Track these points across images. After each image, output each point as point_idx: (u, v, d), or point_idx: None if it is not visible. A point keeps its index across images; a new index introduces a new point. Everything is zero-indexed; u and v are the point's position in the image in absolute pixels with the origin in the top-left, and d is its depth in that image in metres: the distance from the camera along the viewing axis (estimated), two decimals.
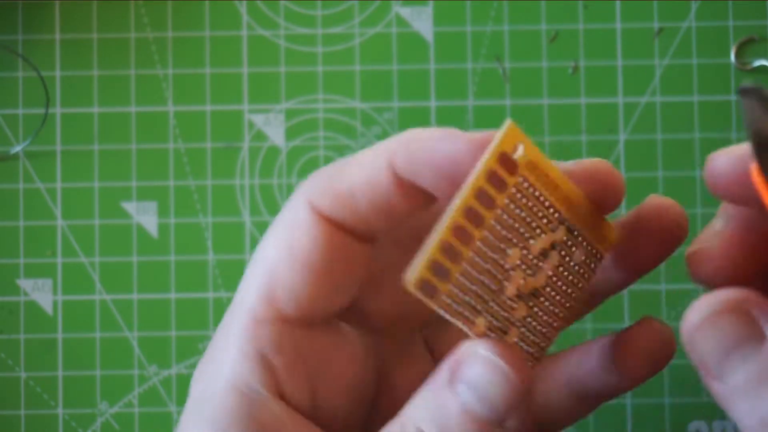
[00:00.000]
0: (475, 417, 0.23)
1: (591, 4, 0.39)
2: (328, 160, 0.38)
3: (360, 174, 0.25)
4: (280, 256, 0.25)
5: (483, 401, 0.23)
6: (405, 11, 0.39)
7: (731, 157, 0.24)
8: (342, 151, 0.38)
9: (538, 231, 0.24)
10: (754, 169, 0.22)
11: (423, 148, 0.24)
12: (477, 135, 0.25)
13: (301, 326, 0.25)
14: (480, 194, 0.23)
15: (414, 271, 0.22)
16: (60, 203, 0.38)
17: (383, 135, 0.38)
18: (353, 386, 0.26)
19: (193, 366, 0.37)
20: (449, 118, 0.38)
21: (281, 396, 0.25)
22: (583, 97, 0.38)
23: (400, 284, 0.22)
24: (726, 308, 0.22)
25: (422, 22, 0.39)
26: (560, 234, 0.25)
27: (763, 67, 0.38)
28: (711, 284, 0.25)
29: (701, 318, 0.22)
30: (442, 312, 0.23)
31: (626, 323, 0.37)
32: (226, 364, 0.25)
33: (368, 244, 0.26)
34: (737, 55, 0.38)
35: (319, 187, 0.25)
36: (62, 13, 0.39)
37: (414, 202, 0.25)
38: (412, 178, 0.24)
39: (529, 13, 0.38)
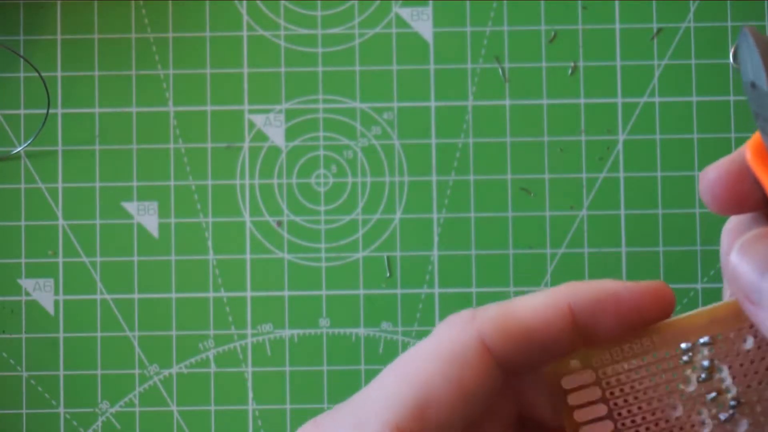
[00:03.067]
0: None
1: (590, 4, 0.39)
2: (328, 160, 0.38)
3: (535, 312, 0.26)
4: (443, 384, 0.25)
5: None
6: (405, 12, 0.39)
7: (721, 165, 0.26)
8: (342, 151, 0.38)
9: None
10: (749, 148, 0.23)
11: (608, 293, 0.26)
12: (642, 284, 0.27)
13: None
14: (579, 414, 0.27)
15: None
16: (61, 203, 0.38)
17: (383, 135, 0.38)
18: None
19: (194, 365, 0.37)
20: (449, 118, 0.38)
21: None
22: (582, 97, 0.38)
23: None
24: (762, 233, 0.24)
25: (422, 22, 0.39)
26: None
27: None
28: (723, 207, 0.26)
29: (740, 244, 0.24)
30: None
31: None
32: None
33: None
34: (735, 56, 0.38)
35: (493, 323, 0.26)
36: (63, 14, 0.39)
37: (577, 346, 0.27)
38: (590, 319, 0.26)
39: (528, 14, 0.39)
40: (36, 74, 0.38)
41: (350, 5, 0.39)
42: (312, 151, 0.38)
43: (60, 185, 0.38)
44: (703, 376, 0.26)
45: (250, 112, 0.38)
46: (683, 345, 0.26)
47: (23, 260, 0.38)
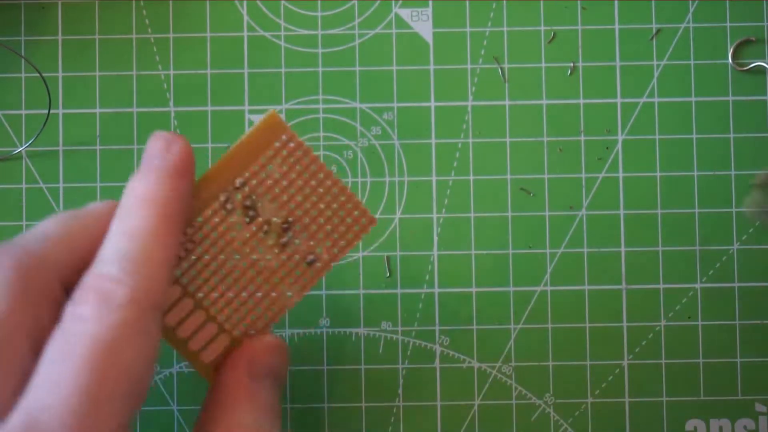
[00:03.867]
0: (279, 390, 0.30)
1: (589, 4, 0.39)
2: (328, 160, 0.38)
3: (163, 251, 0.27)
4: (144, 366, 0.26)
5: (279, 377, 0.30)
6: (404, 12, 0.39)
7: None
8: (342, 151, 0.38)
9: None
10: None
11: None
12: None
13: None
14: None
15: (201, 369, 0.30)
16: (62, 203, 0.38)
17: (383, 135, 0.38)
18: None
19: None
20: (448, 118, 0.38)
21: None
22: (582, 97, 0.38)
23: None
24: None
25: (422, 23, 0.39)
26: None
27: (759, 68, 0.38)
28: None
29: None
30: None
31: (624, 323, 0.38)
32: None
33: None
34: (734, 56, 0.38)
35: (152, 286, 0.26)
36: (64, 14, 0.39)
37: None
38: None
39: (527, 14, 0.39)
40: (37, 74, 0.38)
41: (350, 6, 0.39)
42: (313, 151, 0.38)
43: (61, 185, 0.38)
44: (249, 215, 0.28)
45: (251, 112, 0.38)
46: (221, 197, 0.29)
47: None
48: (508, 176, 0.38)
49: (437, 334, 0.38)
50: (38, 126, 0.38)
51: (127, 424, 0.25)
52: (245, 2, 0.39)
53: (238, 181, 0.28)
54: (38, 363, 0.25)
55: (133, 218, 0.27)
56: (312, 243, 0.29)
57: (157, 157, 0.28)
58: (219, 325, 0.29)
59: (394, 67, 0.39)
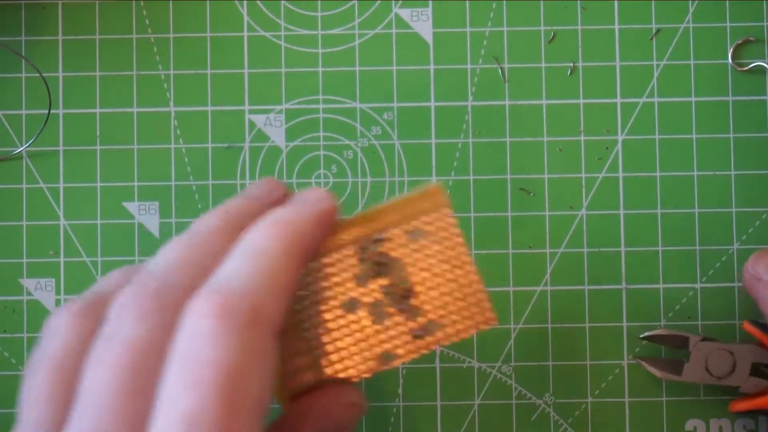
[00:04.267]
0: None
1: (589, 5, 0.39)
2: (328, 160, 0.38)
3: (287, 285, 0.26)
4: (266, 390, 0.25)
5: None
6: (404, 12, 0.39)
7: None
8: (342, 151, 0.38)
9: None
10: None
11: (321, 222, 0.28)
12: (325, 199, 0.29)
13: None
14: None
15: (280, 393, 0.30)
16: (62, 203, 0.38)
17: (383, 135, 0.38)
18: None
19: None
20: (448, 118, 0.38)
21: None
22: (582, 97, 0.38)
23: None
24: None
25: (422, 23, 0.39)
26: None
27: (759, 67, 0.38)
28: None
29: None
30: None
31: (624, 323, 0.38)
32: None
33: None
34: (734, 56, 0.38)
35: (272, 309, 0.25)
36: (64, 15, 0.39)
37: None
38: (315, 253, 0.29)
39: (527, 14, 0.39)
40: (37, 75, 0.38)
41: (350, 6, 0.39)
42: (312, 151, 0.38)
43: (61, 185, 0.38)
44: (378, 270, 0.29)
45: (251, 112, 0.38)
46: (362, 243, 0.29)
47: (24, 260, 0.38)
48: (508, 176, 0.38)
49: None
50: (38, 126, 0.38)
51: None
52: (245, 2, 0.39)
53: (381, 235, 0.29)
54: (163, 386, 0.23)
55: (264, 238, 0.26)
56: (427, 320, 0.29)
57: (309, 200, 0.28)
58: (314, 359, 0.29)
59: (394, 67, 0.39)
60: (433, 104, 0.38)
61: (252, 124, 0.38)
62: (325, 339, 0.28)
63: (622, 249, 0.38)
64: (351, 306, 0.28)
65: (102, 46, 0.39)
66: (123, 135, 0.38)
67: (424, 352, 0.29)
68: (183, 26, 0.39)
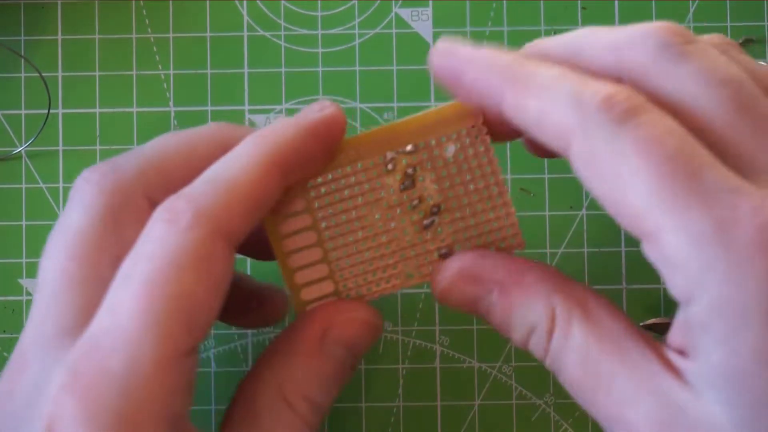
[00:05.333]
0: (345, 365, 0.28)
1: (589, 4, 0.39)
2: None
3: (253, 190, 0.26)
4: (201, 291, 0.25)
5: (353, 352, 0.28)
6: (405, 12, 0.39)
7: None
8: None
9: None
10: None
11: (307, 134, 0.27)
12: (325, 111, 0.28)
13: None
14: (284, 226, 0.28)
15: (296, 303, 0.28)
16: (62, 203, 0.38)
17: None
18: None
19: None
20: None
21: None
22: None
23: None
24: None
25: (422, 22, 0.39)
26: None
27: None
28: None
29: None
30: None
31: None
32: (159, 398, 0.24)
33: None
34: None
35: (221, 211, 0.25)
36: (64, 14, 0.39)
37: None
38: (301, 169, 0.27)
39: (528, 14, 0.39)
40: (37, 74, 0.38)
41: (350, 5, 0.39)
42: None
43: (61, 185, 0.38)
44: (406, 183, 0.27)
45: (251, 112, 0.38)
46: (388, 154, 0.27)
47: (24, 260, 0.38)
48: (509, 176, 0.38)
49: (437, 334, 0.38)
50: (38, 126, 0.38)
51: (187, 351, 0.24)
52: (245, 2, 0.39)
53: (410, 147, 0.27)
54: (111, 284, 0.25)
55: (241, 147, 0.26)
56: (453, 238, 0.28)
57: (306, 111, 0.28)
58: (330, 271, 0.28)
59: (395, 67, 0.39)
60: (433, 104, 0.38)
61: (252, 124, 0.38)
62: (342, 251, 0.28)
63: (623, 249, 0.38)
64: (373, 219, 0.28)
65: (102, 45, 0.39)
66: (123, 135, 0.38)
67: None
68: (183, 26, 0.39)
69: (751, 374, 0.21)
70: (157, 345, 0.24)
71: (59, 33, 0.39)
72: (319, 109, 0.28)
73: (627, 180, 0.22)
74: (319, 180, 0.28)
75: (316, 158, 0.27)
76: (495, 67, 0.25)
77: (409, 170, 0.27)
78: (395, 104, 0.38)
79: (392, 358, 0.38)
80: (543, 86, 0.24)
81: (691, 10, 0.39)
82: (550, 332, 0.25)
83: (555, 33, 0.39)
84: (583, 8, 0.39)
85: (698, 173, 0.22)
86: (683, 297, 0.23)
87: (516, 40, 0.39)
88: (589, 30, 0.26)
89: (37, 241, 0.38)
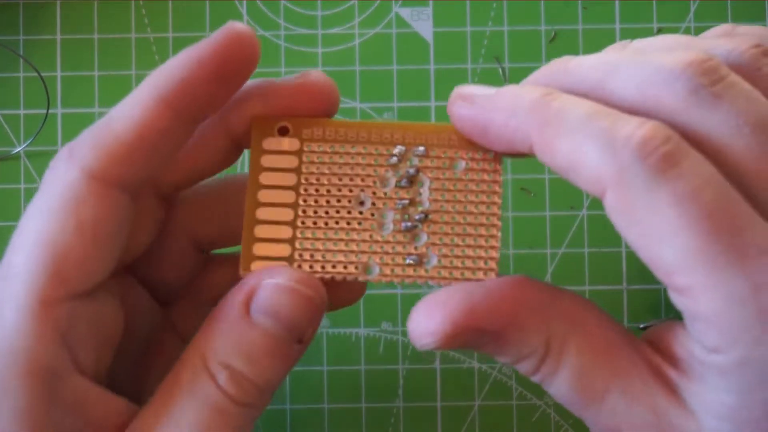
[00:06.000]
0: (278, 339, 0.25)
1: (590, 4, 0.39)
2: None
3: (133, 124, 0.24)
4: (67, 235, 0.24)
5: (283, 323, 0.25)
6: (405, 12, 0.39)
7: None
8: None
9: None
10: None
11: (191, 63, 0.25)
12: (215, 34, 0.25)
13: (86, 297, 0.25)
14: (266, 176, 0.27)
15: (246, 266, 0.26)
16: None
17: None
18: (117, 339, 0.26)
19: None
20: (448, 118, 0.38)
21: (78, 369, 0.24)
22: None
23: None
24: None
25: (422, 22, 0.39)
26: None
27: None
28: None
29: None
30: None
31: (625, 323, 0.38)
32: (22, 350, 0.23)
33: (136, 197, 0.26)
34: None
35: (94, 152, 0.24)
36: (63, 14, 0.39)
37: (185, 129, 0.25)
38: (189, 101, 0.25)
39: (528, 14, 0.39)
40: (35, 74, 0.38)
41: (350, 5, 0.39)
42: None
43: None
44: (404, 182, 0.27)
45: None
46: (398, 148, 0.27)
47: None
48: (509, 176, 0.38)
49: None
50: (37, 126, 0.38)
51: (57, 299, 0.24)
52: (245, 1, 0.39)
53: (422, 148, 0.27)
54: None
55: (134, 90, 0.25)
56: (428, 250, 0.27)
57: (206, 40, 0.25)
58: (292, 236, 0.27)
59: (395, 67, 0.38)
60: (433, 104, 0.38)
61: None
62: (314, 221, 0.27)
63: (623, 249, 0.38)
64: (359, 202, 0.27)
65: (101, 45, 0.39)
66: None
67: (408, 282, 0.27)
68: (182, 25, 0.39)
69: (758, 425, 0.22)
70: (19, 293, 0.23)
71: (58, 32, 0.39)
72: (220, 33, 0.25)
73: (664, 234, 0.22)
74: (320, 146, 0.27)
75: (218, 88, 0.25)
76: (520, 110, 0.24)
77: (412, 170, 0.27)
78: (395, 104, 0.38)
79: (392, 358, 0.38)
80: (573, 127, 0.23)
81: (692, 10, 0.39)
82: (543, 358, 0.25)
83: (555, 33, 0.39)
84: (584, 8, 0.39)
85: (737, 232, 0.21)
86: (709, 346, 0.22)
87: (517, 40, 0.38)
88: (609, 61, 0.25)
89: None
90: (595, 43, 0.38)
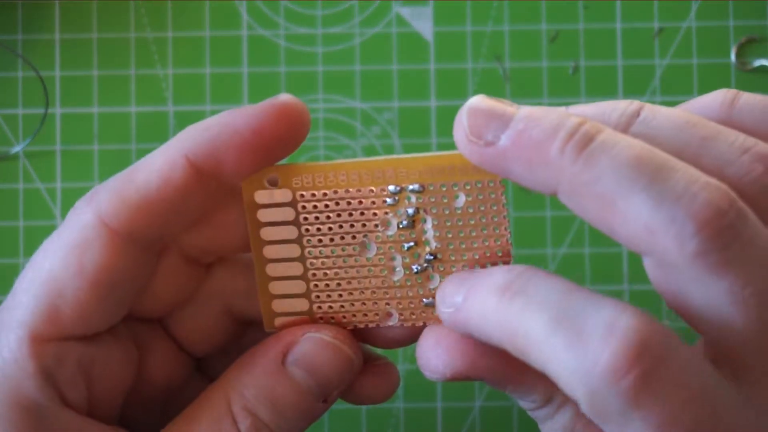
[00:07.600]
0: (307, 394, 0.25)
1: (591, 4, 0.39)
2: (328, 160, 0.38)
3: (152, 176, 0.24)
4: (68, 276, 0.24)
5: (317, 378, 0.25)
6: (405, 11, 0.39)
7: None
8: (342, 151, 0.38)
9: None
10: None
11: (223, 128, 0.24)
12: (260, 105, 0.25)
13: (82, 339, 0.25)
14: (266, 231, 0.26)
15: (269, 323, 0.26)
16: (60, 203, 0.38)
17: (383, 135, 0.38)
18: (126, 382, 0.27)
19: None
20: (449, 118, 0.38)
21: (65, 403, 0.25)
22: (583, 96, 0.38)
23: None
24: None
25: (422, 21, 0.39)
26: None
27: (763, 67, 0.38)
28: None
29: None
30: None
31: None
32: (11, 380, 0.24)
33: (155, 251, 0.26)
34: (737, 55, 0.38)
35: (110, 199, 0.24)
36: (62, 13, 0.39)
37: (210, 194, 0.25)
38: (214, 163, 0.24)
39: (529, 13, 0.39)
40: (34, 73, 0.38)
41: (350, 5, 0.39)
42: (312, 150, 0.38)
43: (58, 185, 0.38)
44: (404, 222, 0.26)
45: None
46: (392, 187, 0.25)
47: (21, 260, 0.38)
48: None
49: None
50: (35, 125, 0.38)
51: (47, 338, 0.24)
52: (244, 1, 0.39)
53: (416, 186, 0.25)
54: None
55: (167, 142, 0.25)
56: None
57: (245, 110, 0.25)
58: (307, 290, 0.26)
59: (395, 66, 0.38)
60: (433, 103, 0.38)
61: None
62: (324, 274, 0.26)
63: (624, 249, 0.38)
64: (366, 249, 0.26)
65: (100, 44, 0.39)
66: (121, 134, 0.38)
67: (430, 323, 0.26)
68: (181, 25, 0.39)
69: None
70: (17, 325, 0.24)
71: (57, 32, 0.39)
72: (272, 105, 0.25)
73: None
74: (313, 194, 0.26)
75: (249, 156, 0.25)
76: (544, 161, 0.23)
77: (410, 210, 0.26)
78: (396, 103, 0.38)
79: (392, 359, 0.37)
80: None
81: (694, 9, 0.39)
82: (543, 405, 0.25)
83: (556, 33, 0.39)
84: (585, 7, 0.39)
85: None
86: None
87: (517, 39, 0.38)
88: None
89: (35, 242, 0.38)
90: (597, 42, 0.38)
